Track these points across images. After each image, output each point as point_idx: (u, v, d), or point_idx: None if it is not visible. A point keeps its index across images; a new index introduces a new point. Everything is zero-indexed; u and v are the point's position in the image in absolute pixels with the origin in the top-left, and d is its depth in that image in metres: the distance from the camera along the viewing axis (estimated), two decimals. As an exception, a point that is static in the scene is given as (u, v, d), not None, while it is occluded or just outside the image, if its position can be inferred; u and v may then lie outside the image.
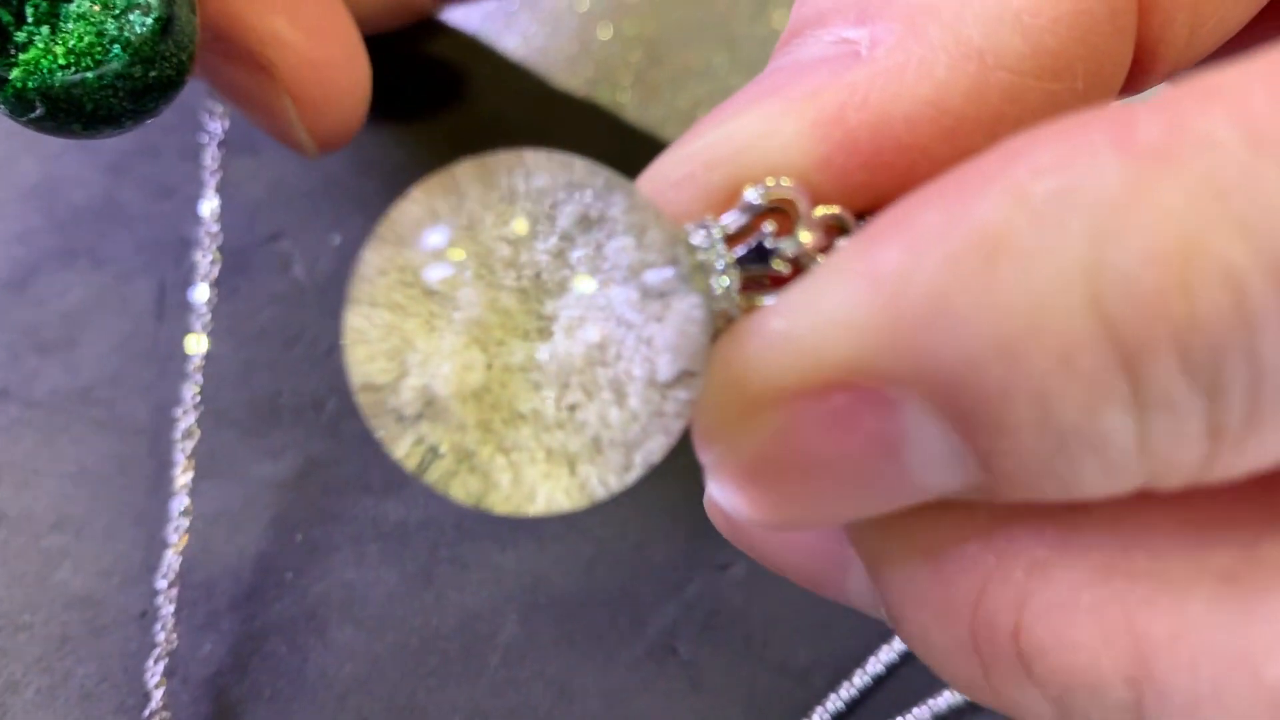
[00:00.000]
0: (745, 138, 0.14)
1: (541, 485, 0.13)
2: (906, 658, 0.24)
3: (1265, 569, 0.11)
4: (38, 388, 0.26)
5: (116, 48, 0.19)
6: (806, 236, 0.14)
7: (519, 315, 0.13)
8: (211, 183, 0.26)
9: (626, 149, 0.31)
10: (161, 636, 0.23)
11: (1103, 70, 0.14)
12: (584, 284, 0.13)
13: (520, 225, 0.14)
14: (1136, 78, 0.16)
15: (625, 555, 0.25)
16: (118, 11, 0.19)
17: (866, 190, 0.14)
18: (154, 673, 0.23)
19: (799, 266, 0.14)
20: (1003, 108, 0.13)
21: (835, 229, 0.14)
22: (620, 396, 0.13)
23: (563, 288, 0.13)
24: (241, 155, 0.29)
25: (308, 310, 0.27)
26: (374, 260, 0.13)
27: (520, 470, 0.13)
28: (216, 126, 0.26)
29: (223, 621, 0.24)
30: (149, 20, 0.19)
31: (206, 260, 0.25)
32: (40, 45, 0.19)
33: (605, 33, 0.34)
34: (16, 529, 0.25)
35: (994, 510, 0.12)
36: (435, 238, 0.13)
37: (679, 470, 0.24)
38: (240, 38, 0.22)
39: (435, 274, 0.13)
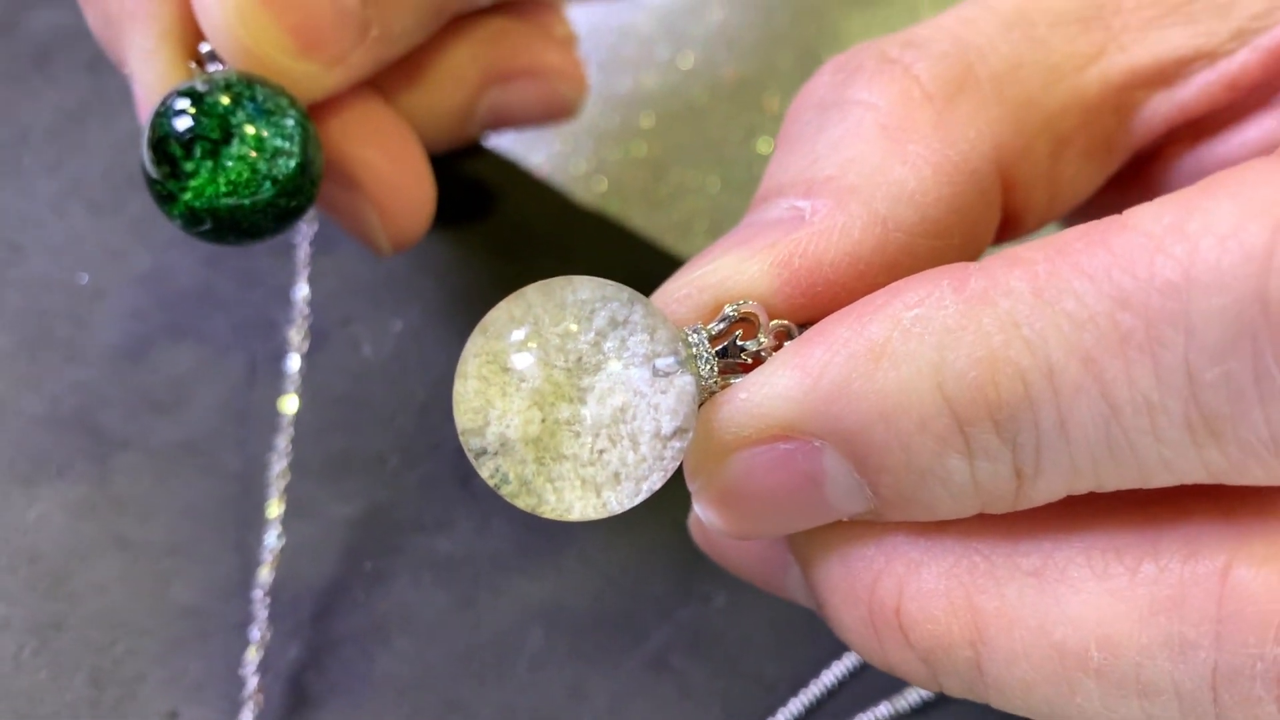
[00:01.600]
0: (725, 273, 0.21)
1: (576, 503, 0.20)
2: (857, 671, 0.29)
3: (1056, 568, 0.17)
4: (154, 440, 0.32)
5: (267, 183, 0.25)
6: (764, 339, 0.20)
7: (566, 387, 0.20)
8: (304, 274, 0.32)
9: (633, 254, 0.37)
10: (256, 638, 0.29)
11: (975, 231, 0.21)
12: (613, 366, 0.20)
13: (569, 326, 0.20)
14: (1010, 229, 0.23)
15: (628, 586, 0.31)
16: (269, 155, 0.25)
17: (806, 309, 0.21)
18: (251, 668, 0.29)
19: (759, 359, 0.20)
20: (898, 257, 0.20)
21: (784, 334, 0.21)
22: (635, 445, 0.20)
23: (597, 368, 0.20)
24: (322, 253, 0.35)
25: (374, 383, 0.34)
26: (472, 348, 0.20)
27: (562, 493, 0.20)
28: (308, 230, 0.32)
29: (305, 631, 0.30)
30: (292, 163, 0.25)
31: (299, 337, 0.31)
32: (205, 175, 0.25)
33: (616, 154, 0.40)
34: (139, 554, 0.31)
35: (885, 526, 0.19)
36: (514, 334, 0.20)
37: (671, 520, 0.31)
38: (340, 164, 0.29)
39: (511, 358, 0.20)
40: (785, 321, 0.21)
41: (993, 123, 0.20)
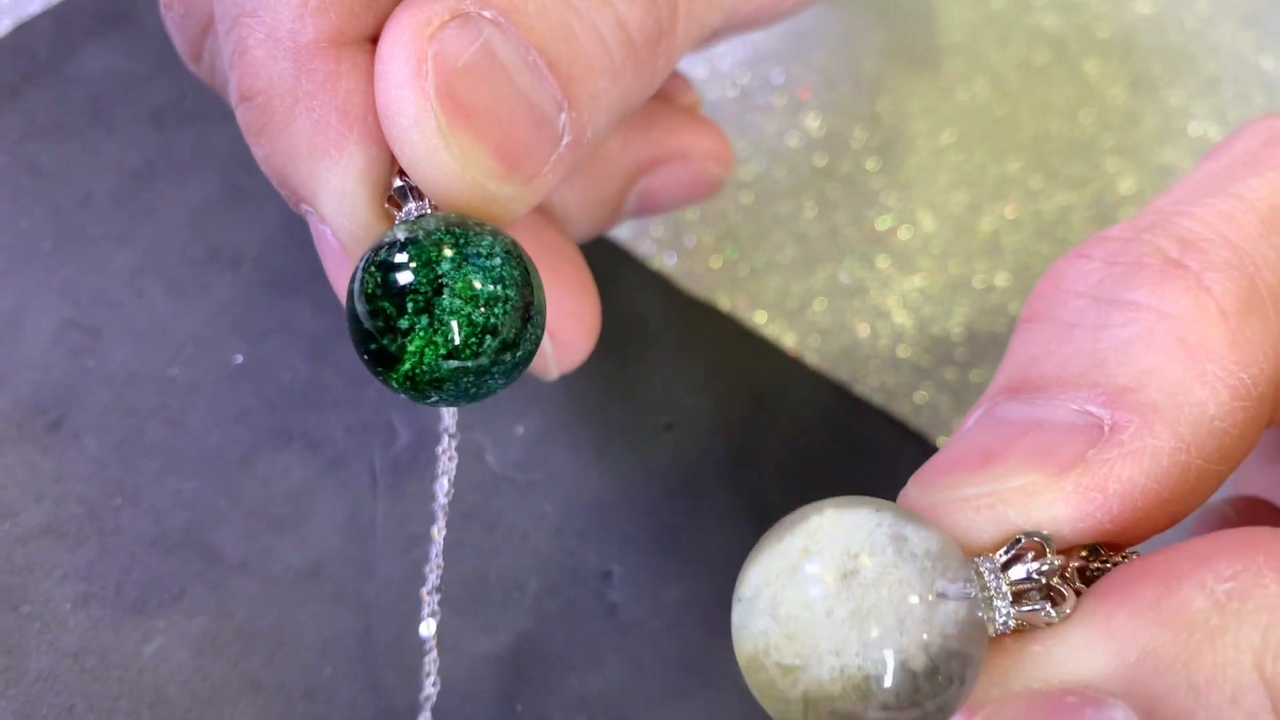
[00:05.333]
0: (1022, 504, 0.19)
1: None
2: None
3: None
4: (274, 563, 0.30)
5: (489, 338, 0.23)
6: (1056, 575, 0.19)
7: None
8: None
9: (748, 349, 0.36)
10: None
11: (1247, 451, 0.21)
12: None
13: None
14: None
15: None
16: (483, 305, 0.23)
17: (1098, 535, 0.19)
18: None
19: (1051, 592, 0.19)
20: (1195, 486, 0.19)
21: (1082, 568, 0.20)
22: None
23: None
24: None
25: (503, 498, 0.32)
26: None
27: None
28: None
29: (462, 783, 0.28)
30: (510, 309, 0.23)
31: (445, 457, 0.29)
32: (422, 335, 0.22)
33: (716, 262, 0.39)
34: (272, 697, 0.28)
35: None
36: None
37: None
38: None
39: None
40: (1092, 547, 0.20)
41: (1276, 344, 0.20)
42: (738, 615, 0.18)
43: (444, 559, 0.30)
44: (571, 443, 0.33)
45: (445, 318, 0.22)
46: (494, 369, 0.22)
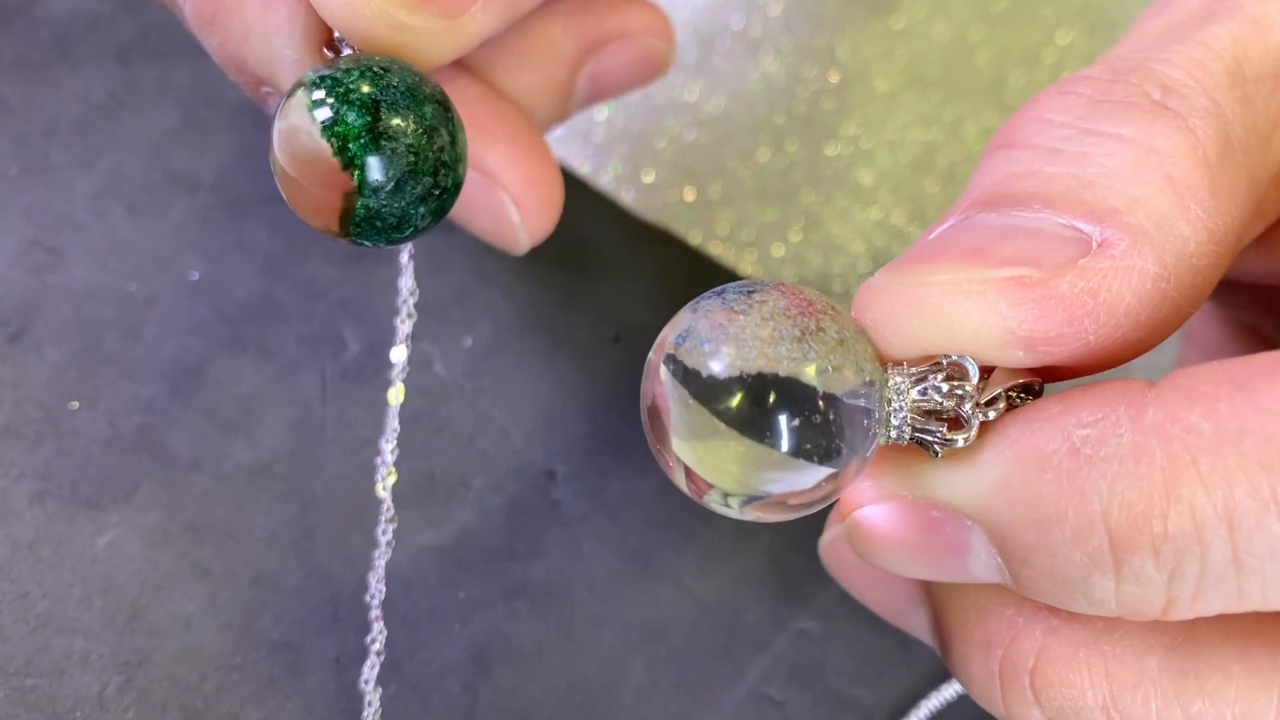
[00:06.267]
0: (1016, 295, 0.18)
1: None
2: (955, 701, 0.30)
3: (1196, 644, 0.18)
4: (225, 463, 0.31)
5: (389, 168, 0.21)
6: (969, 410, 0.19)
7: None
8: (408, 267, 0.29)
9: (699, 271, 0.37)
10: (369, 674, 0.28)
11: (1202, 300, 0.20)
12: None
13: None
14: None
15: (724, 616, 0.31)
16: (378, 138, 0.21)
17: (1086, 348, 0.19)
18: (369, 696, 0.28)
19: (956, 417, 0.20)
20: (1165, 316, 0.19)
21: (1015, 395, 0.20)
22: None
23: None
24: (382, 266, 0.34)
25: (451, 404, 0.33)
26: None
27: None
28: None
29: (404, 665, 0.29)
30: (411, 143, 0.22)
31: (405, 327, 0.29)
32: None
33: (672, 198, 0.40)
34: (221, 585, 0.29)
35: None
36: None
37: (762, 548, 0.31)
38: (475, 164, 0.28)
39: None
40: (1034, 381, 0.19)
41: (1243, 195, 0.20)
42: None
43: (396, 461, 0.31)
44: (519, 353, 0.34)
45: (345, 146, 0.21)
46: (412, 204, 0.22)
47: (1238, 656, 0.18)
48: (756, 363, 0.18)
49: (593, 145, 0.40)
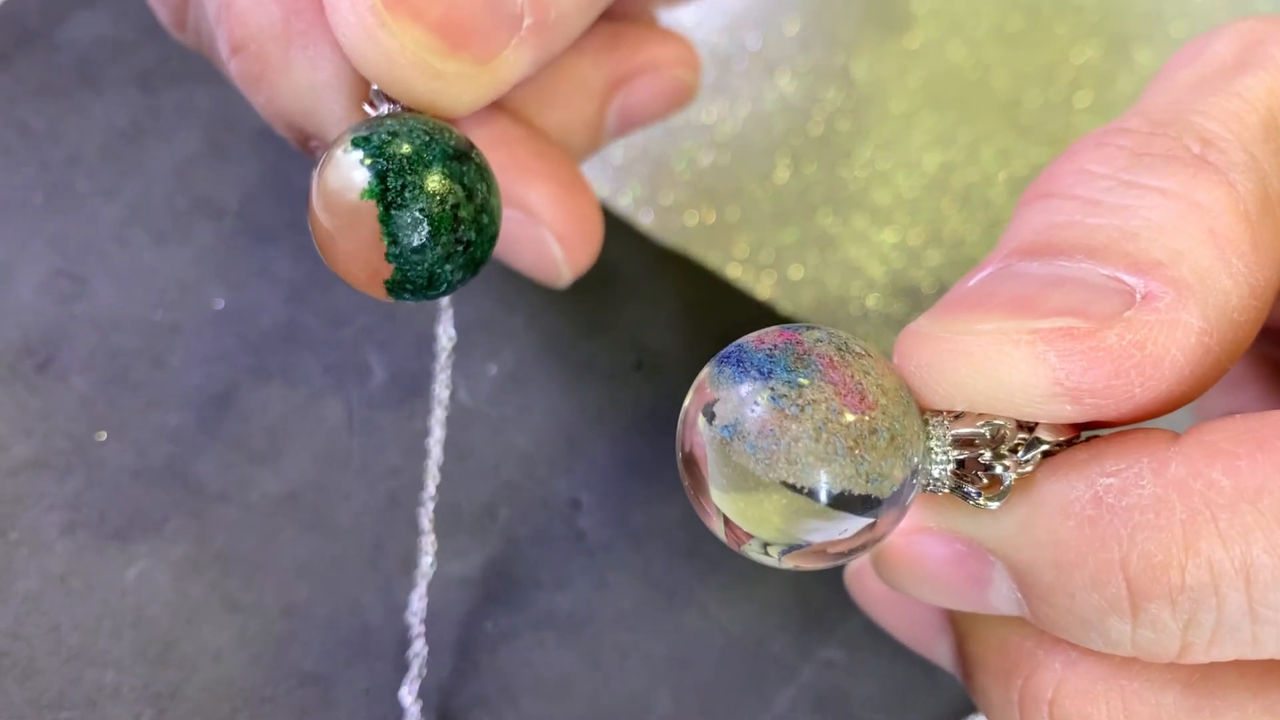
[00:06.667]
0: (1066, 346, 0.18)
1: None
2: (977, 730, 0.30)
3: (1212, 681, 0.19)
4: (253, 492, 0.31)
5: (435, 232, 0.21)
6: (1006, 469, 0.19)
7: None
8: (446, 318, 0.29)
9: (718, 296, 0.37)
10: (410, 703, 0.28)
11: (1239, 356, 0.21)
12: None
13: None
14: None
15: (750, 646, 0.31)
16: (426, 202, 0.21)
17: (1132, 402, 0.19)
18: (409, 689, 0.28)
19: (994, 482, 0.20)
20: (1207, 370, 0.19)
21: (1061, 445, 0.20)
22: None
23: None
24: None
25: (475, 431, 0.33)
26: None
27: None
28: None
29: (433, 696, 0.29)
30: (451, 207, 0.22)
31: (443, 357, 0.29)
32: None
33: (691, 220, 0.40)
34: (251, 616, 0.29)
35: None
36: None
37: (786, 579, 0.31)
38: (516, 200, 0.28)
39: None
40: (1080, 435, 0.19)
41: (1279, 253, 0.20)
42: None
43: (415, 490, 0.31)
44: (542, 380, 0.34)
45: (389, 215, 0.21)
46: (437, 263, 0.22)
47: (1253, 695, 0.19)
48: (808, 479, 0.18)
49: (612, 168, 0.41)
